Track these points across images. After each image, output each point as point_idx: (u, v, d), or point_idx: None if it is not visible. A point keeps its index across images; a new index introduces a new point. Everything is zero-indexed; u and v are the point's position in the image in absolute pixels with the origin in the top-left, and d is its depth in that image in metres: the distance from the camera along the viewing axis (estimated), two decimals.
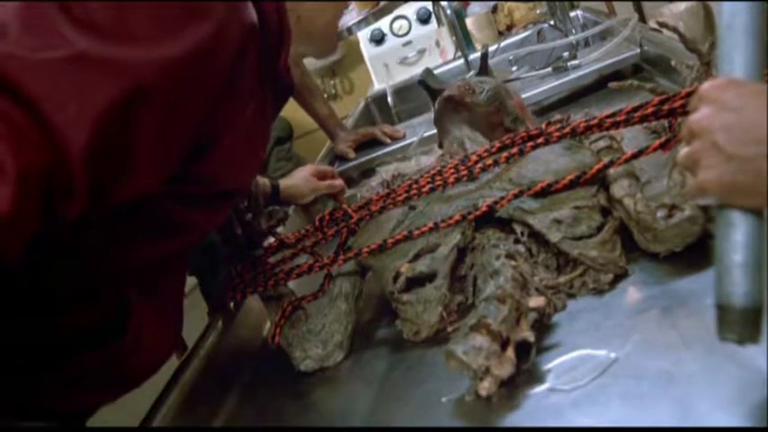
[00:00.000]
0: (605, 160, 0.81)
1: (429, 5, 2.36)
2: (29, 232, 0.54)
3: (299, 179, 1.38)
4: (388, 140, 1.67)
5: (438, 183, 0.94)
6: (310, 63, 2.31)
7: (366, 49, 2.51)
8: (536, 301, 0.69)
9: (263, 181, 1.31)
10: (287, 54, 0.80)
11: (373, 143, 1.70)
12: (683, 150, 0.53)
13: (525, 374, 0.65)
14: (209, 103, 0.66)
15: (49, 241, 0.58)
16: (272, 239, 1.08)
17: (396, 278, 0.84)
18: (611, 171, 0.80)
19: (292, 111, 2.10)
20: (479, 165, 0.92)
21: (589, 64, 1.50)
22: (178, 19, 0.61)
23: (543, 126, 0.92)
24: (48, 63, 0.55)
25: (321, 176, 1.40)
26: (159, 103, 0.60)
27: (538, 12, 2.31)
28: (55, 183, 0.54)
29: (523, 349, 0.65)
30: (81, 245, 0.66)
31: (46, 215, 0.55)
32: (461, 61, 2.05)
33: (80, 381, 0.74)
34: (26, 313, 0.67)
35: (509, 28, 2.45)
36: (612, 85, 0.99)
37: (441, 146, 1.15)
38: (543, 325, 0.70)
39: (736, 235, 0.49)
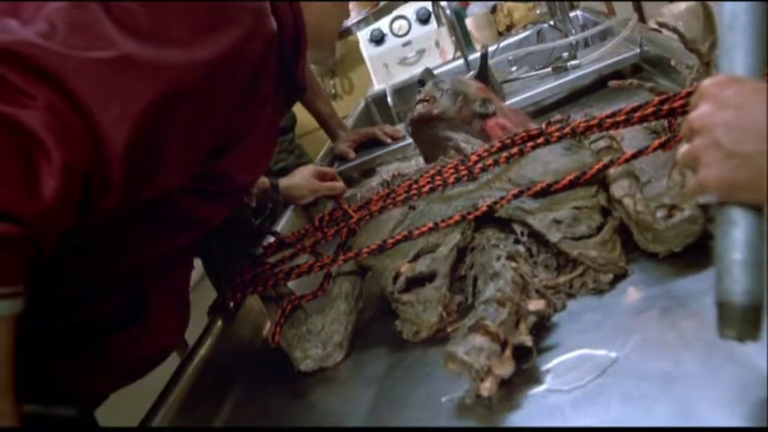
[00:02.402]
0: (605, 160, 0.81)
1: (429, 6, 2.36)
2: (65, 223, 0.56)
3: (299, 179, 1.38)
4: (389, 140, 1.67)
5: (438, 183, 0.94)
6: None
7: (366, 49, 2.51)
8: (536, 305, 0.69)
9: (262, 179, 1.31)
10: (305, 60, 0.82)
11: (373, 143, 1.70)
12: (684, 147, 0.53)
13: (525, 375, 0.65)
14: (235, 105, 0.70)
15: (78, 234, 0.60)
16: (271, 239, 1.08)
17: (396, 278, 0.83)
18: (611, 171, 0.80)
19: (294, 110, 2.10)
20: (479, 165, 0.92)
21: (589, 64, 1.50)
22: (212, 24, 0.64)
23: (543, 126, 0.92)
24: (94, 63, 0.57)
25: (322, 177, 1.40)
26: (191, 104, 0.62)
27: (537, 12, 2.31)
28: (94, 178, 0.57)
29: (522, 353, 0.65)
30: (104, 239, 0.68)
31: (82, 208, 0.57)
32: (461, 61, 2.05)
33: (98, 365, 0.76)
34: (53, 302, 0.69)
35: (509, 28, 2.45)
36: (613, 83, 0.99)
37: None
38: (543, 325, 0.70)
39: (737, 232, 0.49)
